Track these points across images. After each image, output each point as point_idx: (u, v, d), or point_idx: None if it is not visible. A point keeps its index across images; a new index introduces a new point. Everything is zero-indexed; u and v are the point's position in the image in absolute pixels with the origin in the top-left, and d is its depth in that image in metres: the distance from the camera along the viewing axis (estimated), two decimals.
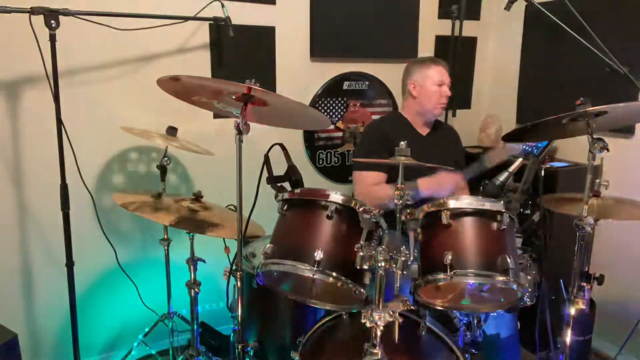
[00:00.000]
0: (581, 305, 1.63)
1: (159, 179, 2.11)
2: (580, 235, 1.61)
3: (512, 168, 1.64)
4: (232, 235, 1.75)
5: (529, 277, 1.45)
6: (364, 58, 2.86)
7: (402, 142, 1.50)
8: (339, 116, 2.86)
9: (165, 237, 2.16)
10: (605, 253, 2.60)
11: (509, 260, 1.35)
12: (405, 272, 1.33)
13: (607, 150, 1.53)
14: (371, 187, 2.22)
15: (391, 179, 2.31)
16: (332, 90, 2.81)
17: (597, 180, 1.83)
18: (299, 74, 2.71)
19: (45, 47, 1.80)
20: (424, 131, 2.39)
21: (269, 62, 2.61)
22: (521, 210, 1.54)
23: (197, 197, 1.95)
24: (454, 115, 3.12)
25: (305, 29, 2.67)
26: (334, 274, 1.38)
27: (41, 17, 1.76)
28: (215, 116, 2.51)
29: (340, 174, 2.94)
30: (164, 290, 2.26)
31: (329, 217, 1.42)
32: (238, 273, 1.58)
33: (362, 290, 1.41)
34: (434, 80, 2.28)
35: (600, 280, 1.68)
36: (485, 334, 1.86)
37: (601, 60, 1.84)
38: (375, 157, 2.15)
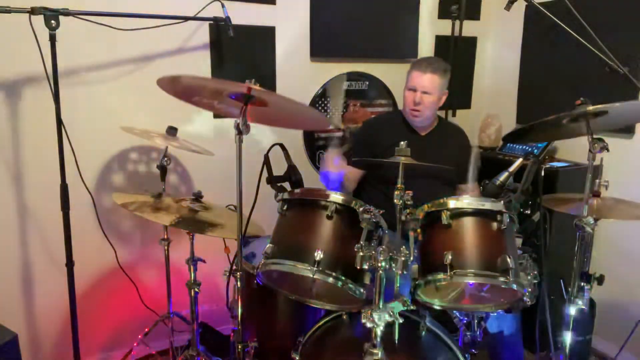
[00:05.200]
0: (581, 305, 1.63)
1: (159, 179, 2.11)
2: (580, 235, 1.61)
3: (512, 168, 1.64)
4: (232, 235, 1.75)
5: (529, 277, 1.45)
6: (364, 58, 2.86)
7: (402, 142, 1.50)
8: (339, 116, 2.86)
9: (165, 237, 2.16)
10: (605, 253, 2.60)
11: (509, 260, 1.35)
12: (405, 272, 1.34)
13: (607, 150, 1.53)
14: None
15: (375, 177, 2.34)
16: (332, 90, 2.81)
17: (597, 180, 1.82)
18: (299, 74, 2.71)
19: (45, 47, 1.80)
20: (423, 131, 2.39)
21: (269, 62, 2.61)
22: (521, 210, 1.54)
23: (197, 197, 1.95)
24: (454, 115, 3.12)
25: (305, 29, 2.67)
26: (334, 274, 1.38)
27: (41, 17, 1.76)
28: (215, 116, 2.51)
29: None
30: (164, 290, 2.26)
31: (329, 217, 1.42)
32: (238, 273, 1.58)
33: (362, 290, 1.41)
34: (407, 84, 2.28)
35: (600, 280, 1.68)
36: (489, 332, 1.87)
37: (601, 60, 1.84)
38: (355, 155, 2.36)
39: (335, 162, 2.11)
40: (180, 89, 1.65)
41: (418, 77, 2.23)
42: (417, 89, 2.23)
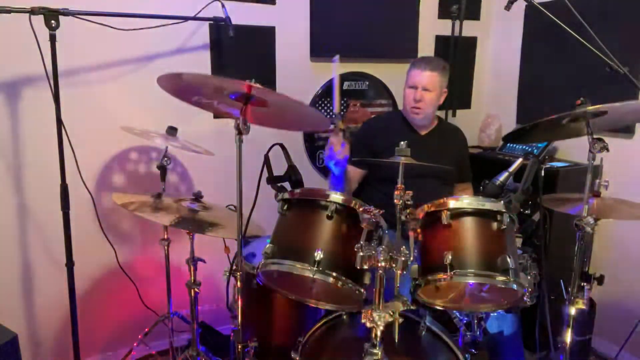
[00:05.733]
0: (581, 305, 1.63)
1: (159, 179, 2.11)
2: (580, 235, 1.61)
3: (512, 168, 1.64)
4: (232, 235, 1.75)
5: (529, 277, 1.45)
6: (364, 58, 2.86)
7: (402, 142, 1.50)
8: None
9: (165, 237, 2.16)
10: (605, 253, 2.60)
11: (509, 260, 1.35)
12: (405, 272, 1.34)
13: (607, 150, 1.53)
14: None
15: (375, 177, 2.35)
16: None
17: (597, 180, 1.82)
18: (299, 74, 2.70)
19: (45, 47, 1.79)
20: (423, 130, 2.39)
21: (269, 62, 2.61)
22: (521, 210, 1.54)
23: (197, 197, 1.95)
24: (454, 115, 3.12)
25: (305, 29, 2.67)
26: (334, 274, 1.38)
27: (41, 17, 1.76)
28: (215, 116, 2.51)
29: None
30: (164, 290, 2.26)
31: (329, 217, 1.42)
32: (238, 273, 1.58)
33: (362, 290, 1.41)
34: (407, 83, 2.29)
35: (600, 280, 1.68)
36: (489, 332, 1.86)
37: (601, 60, 1.84)
38: (355, 155, 2.26)
39: (341, 146, 2.06)
40: (181, 87, 1.64)
41: (418, 75, 2.24)
42: (417, 86, 2.24)
